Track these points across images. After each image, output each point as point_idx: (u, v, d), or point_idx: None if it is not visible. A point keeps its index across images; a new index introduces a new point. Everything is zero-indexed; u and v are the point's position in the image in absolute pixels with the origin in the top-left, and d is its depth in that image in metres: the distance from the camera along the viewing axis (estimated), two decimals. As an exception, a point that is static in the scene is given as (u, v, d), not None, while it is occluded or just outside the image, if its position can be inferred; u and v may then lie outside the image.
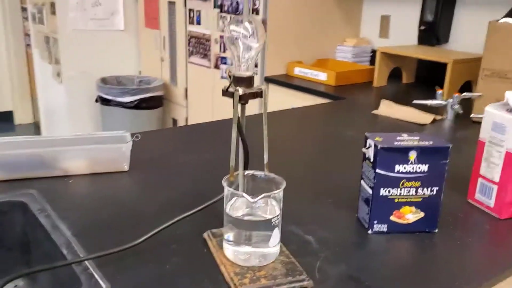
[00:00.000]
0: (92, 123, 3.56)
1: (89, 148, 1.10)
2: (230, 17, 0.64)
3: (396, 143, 0.87)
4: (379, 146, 0.86)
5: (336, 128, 1.65)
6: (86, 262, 0.77)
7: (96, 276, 0.74)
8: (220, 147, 1.34)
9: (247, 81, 0.73)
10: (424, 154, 0.87)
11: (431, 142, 0.88)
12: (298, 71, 2.49)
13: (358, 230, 0.92)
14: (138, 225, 0.90)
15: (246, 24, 0.71)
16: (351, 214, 0.98)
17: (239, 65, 0.73)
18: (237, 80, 0.73)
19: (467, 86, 2.08)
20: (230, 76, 0.72)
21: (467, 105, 1.77)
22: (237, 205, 0.78)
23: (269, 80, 2.51)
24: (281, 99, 2.47)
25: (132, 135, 1.17)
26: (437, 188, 0.90)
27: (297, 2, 2.54)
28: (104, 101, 3.25)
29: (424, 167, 0.88)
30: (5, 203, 0.99)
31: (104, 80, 3.39)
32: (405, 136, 0.91)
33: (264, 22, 2.45)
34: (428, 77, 2.40)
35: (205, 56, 2.97)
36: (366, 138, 0.91)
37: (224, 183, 0.75)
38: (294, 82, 2.40)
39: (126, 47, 3.65)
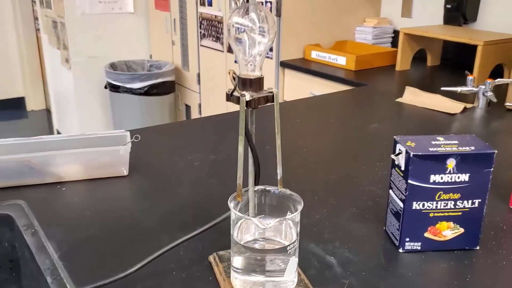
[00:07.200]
0: (102, 110, 3.45)
1: (83, 151, 0.99)
2: (235, 2, 0.53)
3: (431, 149, 0.75)
4: (411, 153, 0.74)
5: (357, 120, 1.52)
6: (71, 295, 0.66)
7: (82, 313, 0.63)
8: (231, 145, 1.22)
9: (256, 84, 0.60)
10: (464, 161, 0.74)
11: (472, 148, 0.75)
12: (315, 55, 2.34)
13: (387, 248, 0.80)
14: (134, 244, 0.79)
15: (252, 15, 0.58)
16: (378, 226, 0.86)
17: (246, 64, 0.60)
18: (243, 83, 0.60)
19: (499, 70, 1.91)
20: (234, 78, 0.59)
21: (500, 91, 1.62)
22: (246, 227, 0.66)
23: (284, 64, 2.37)
24: (298, 85, 2.33)
25: (132, 135, 1.05)
26: (480, 200, 0.77)
27: (313, -20, 2.38)
28: (113, 88, 3.14)
29: (465, 177, 0.75)
30: (-11, 216, 0.88)
31: (113, 66, 3.27)
32: (441, 139, 0.78)
33: (278, 2, 2.30)
34: (455, 59, 2.24)
35: (218, 39, 2.84)
36: (395, 143, 0.79)
37: (231, 205, 0.63)
38: (311, 67, 2.26)
39: (136, 30, 3.52)
